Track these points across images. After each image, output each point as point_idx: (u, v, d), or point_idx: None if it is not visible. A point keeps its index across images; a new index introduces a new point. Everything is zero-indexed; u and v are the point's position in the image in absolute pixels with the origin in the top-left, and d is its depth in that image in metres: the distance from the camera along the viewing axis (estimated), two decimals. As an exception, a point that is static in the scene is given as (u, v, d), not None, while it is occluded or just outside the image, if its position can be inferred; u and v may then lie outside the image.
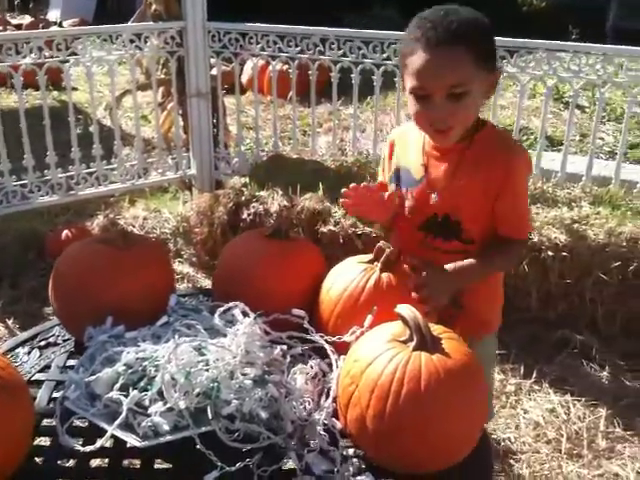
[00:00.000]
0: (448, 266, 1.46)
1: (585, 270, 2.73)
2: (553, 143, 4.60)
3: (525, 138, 4.74)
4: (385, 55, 3.24)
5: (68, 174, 3.49)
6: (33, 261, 3.43)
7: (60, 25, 8.68)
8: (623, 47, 3.06)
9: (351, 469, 1.15)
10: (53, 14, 10.45)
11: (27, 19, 9.24)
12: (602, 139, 4.95)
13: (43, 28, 7.98)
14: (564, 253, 2.72)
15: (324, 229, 2.92)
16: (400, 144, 1.66)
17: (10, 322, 2.95)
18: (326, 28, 3.46)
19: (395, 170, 1.64)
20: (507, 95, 5.45)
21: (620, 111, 5.08)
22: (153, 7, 3.70)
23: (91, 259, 1.44)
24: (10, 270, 3.33)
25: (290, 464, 1.15)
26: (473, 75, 1.41)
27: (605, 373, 2.62)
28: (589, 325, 2.79)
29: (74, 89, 6.10)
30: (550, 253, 2.73)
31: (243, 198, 3.16)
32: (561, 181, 3.12)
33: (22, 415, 1.10)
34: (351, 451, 1.19)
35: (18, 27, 8.51)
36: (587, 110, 5.34)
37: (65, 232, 3.43)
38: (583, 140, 4.73)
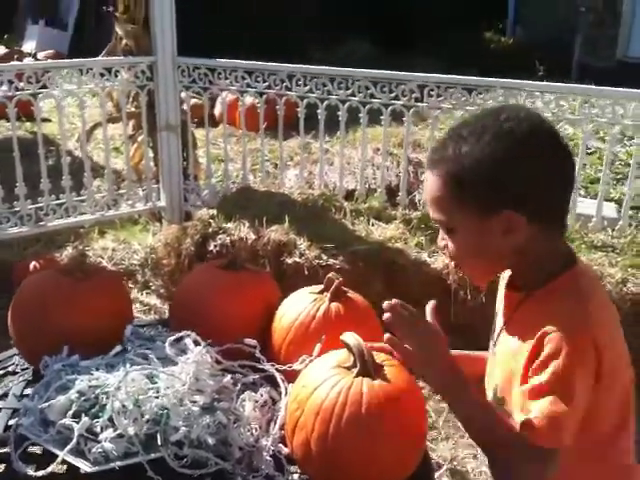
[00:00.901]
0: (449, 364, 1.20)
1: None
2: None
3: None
4: (350, 91, 3.34)
5: (37, 205, 3.52)
6: (1, 291, 3.43)
7: (35, 57, 8.73)
8: (577, 85, 3.20)
9: (296, 493, 1.20)
10: (28, 45, 10.51)
11: (1, 50, 9.28)
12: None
13: (17, 59, 8.02)
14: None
15: (289, 260, 2.97)
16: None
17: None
18: (293, 65, 3.56)
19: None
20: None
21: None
22: (124, 42, 3.78)
23: (48, 290, 1.48)
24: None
25: (238, 489, 1.19)
26: (450, 209, 1.20)
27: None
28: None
29: (47, 120, 6.16)
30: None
31: (210, 230, 3.21)
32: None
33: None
34: (296, 477, 1.23)
35: (-8, 58, 8.55)
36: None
37: (33, 263, 3.44)
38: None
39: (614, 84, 3.07)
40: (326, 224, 3.23)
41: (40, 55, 8.96)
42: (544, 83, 3.18)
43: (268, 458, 1.22)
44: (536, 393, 1.12)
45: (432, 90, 3.14)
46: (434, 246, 2.93)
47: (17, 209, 3.47)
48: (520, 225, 1.16)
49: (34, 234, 3.65)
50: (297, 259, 2.97)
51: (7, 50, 8.87)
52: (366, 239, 3.11)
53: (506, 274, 1.33)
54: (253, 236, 3.07)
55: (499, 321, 1.34)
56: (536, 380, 1.12)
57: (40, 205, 3.54)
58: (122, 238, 3.93)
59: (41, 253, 3.71)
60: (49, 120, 6.15)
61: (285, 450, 1.26)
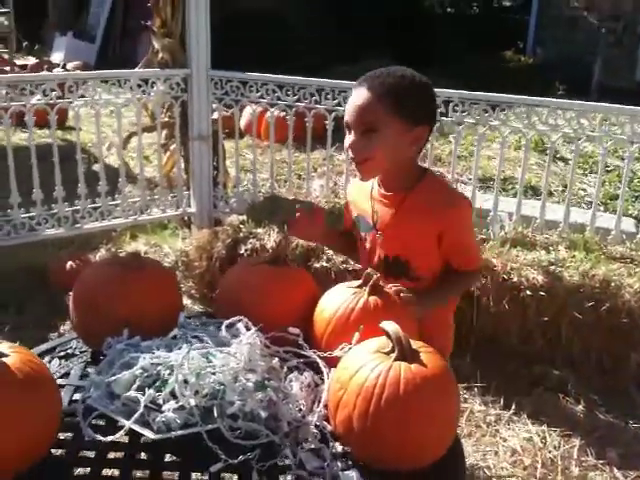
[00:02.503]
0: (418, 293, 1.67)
1: (561, 309, 2.91)
2: (537, 192, 4.82)
3: (510, 187, 4.96)
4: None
5: (74, 208, 3.67)
6: (37, 290, 3.58)
7: (64, 67, 8.97)
8: (599, 104, 3.31)
9: (340, 464, 1.31)
10: (56, 56, 10.79)
11: (31, 60, 9.55)
12: (584, 190, 5.20)
13: (47, 70, 8.26)
14: (541, 293, 2.90)
15: (317, 265, 3.10)
16: (356, 193, 1.90)
17: (16, 347, 3.08)
18: (322, 79, 3.70)
19: (355, 217, 1.88)
20: (494, 146, 5.70)
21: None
22: (160, 55, 3.94)
23: (109, 278, 1.60)
24: (15, 298, 3.48)
25: (285, 460, 1.31)
26: (383, 117, 1.64)
27: (580, 407, 2.78)
28: (565, 361, 2.96)
29: (74, 129, 6.35)
30: (528, 292, 2.91)
31: (241, 234, 3.34)
32: (540, 227, 3.32)
33: (51, 403, 1.25)
34: (339, 449, 1.34)
35: (23, 68, 8.79)
36: (570, 162, 5.59)
37: (69, 263, 3.59)
38: (565, 190, 4.96)
39: (633, 105, 3.17)
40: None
41: (69, 66, 9.21)
42: (566, 101, 3.29)
43: (315, 431, 1.33)
44: (466, 246, 1.79)
45: (457, 105, 3.27)
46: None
47: (55, 211, 3.62)
48: (424, 138, 1.71)
49: (69, 236, 3.81)
50: (324, 263, 3.09)
51: (37, 60, 9.13)
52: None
53: (365, 185, 1.82)
54: (282, 241, 3.19)
55: (373, 215, 1.80)
56: (465, 238, 1.78)
57: (77, 208, 3.69)
58: (153, 242, 4.07)
59: (76, 254, 3.85)
60: (80, 129, 6.34)
61: (329, 427, 1.37)
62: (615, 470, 2.43)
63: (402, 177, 1.75)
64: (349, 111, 1.68)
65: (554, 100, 3.31)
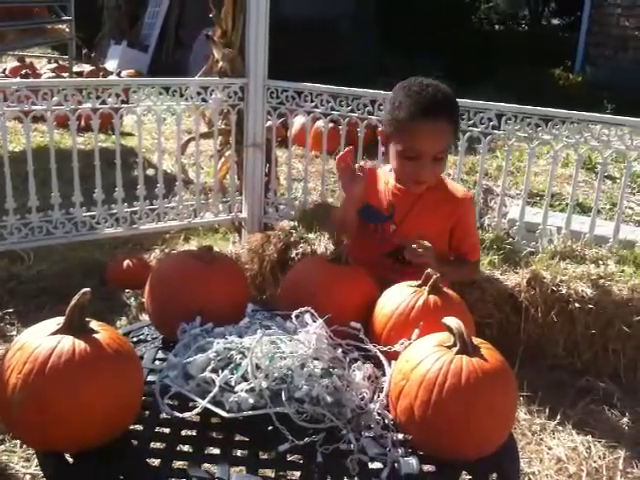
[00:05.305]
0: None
1: (609, 322, 2.93)
2: (584, 209, 4.82)
3: (557, 203, 4.97)
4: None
5: (132, 209, 3.81)
6: (95, 287, 3.70)
7: (119, 75, 9.24)
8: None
9: (400, 451, 1.38)
10: (110, 64, 11.10)
11: (85, 67, 9.83)
12: (632, 209, 5.17)
13: (103, 76, 8.53)
14: (590, 306, 2.92)
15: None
16: (373, 180, 2.06)
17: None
18: (375, 90, 3.78)
19: (363, 207, 2.02)
20: (540, 162, 5.72)
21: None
22: (220, 64, 4.07)
23: (183, 269, 1.71)
24: (73, 294, 3.61)
25: (349, 445, 1.38)
26: (450, 142, 1.91)
27: (625, 419, 2.79)
28: (612, 374, 2.97)
29: (129, 135, 6.57)
30: (577, 305, 2.93)
31: (292, 239, 3.43)
32: (589, 241, 3.34)
33: (137, 379, 1.35)
34: (400, 436, 1.41)
35: (79, 74, 9.07)
36: (618, 181, 5.57)
37: (126, 262, 3.72)
38: (613, 208, 4.95)
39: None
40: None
41: (123, 73, 9.46)
42: (618, 117, 3.31)
43: (377, 418, 1.40)
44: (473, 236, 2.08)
45: (509, 119, 3.32)
46: (506, 264, 3.10)
47: (114, 211, 3.76)
48: None
49: (126, 236, 3.95)
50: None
51: (93, 67, 9.41)
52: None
53: (380, 177, 2.06)
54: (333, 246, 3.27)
55: (389, 207, 2.00)
56: (473, 229, 2.06)
57: (135, 209, 3.83)
58: (204, 244, 4.18)
59: (132, 254, 3.99)
60: (131, 134, 6.56)
61: (389, 415, 1.44)
62: (661, 482, 2.45)
63: None
64: (424, 141, 1.84)
65: (607, 116, 3.34)
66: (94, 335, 1.31)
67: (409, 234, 1.93)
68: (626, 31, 10.62)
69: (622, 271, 3.07)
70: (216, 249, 4.04)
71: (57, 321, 1.36)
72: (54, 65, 9.43)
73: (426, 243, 1.83)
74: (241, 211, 4.22)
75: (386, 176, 2.05)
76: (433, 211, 1.98)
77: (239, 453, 1.43)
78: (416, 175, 1.90)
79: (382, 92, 3.74)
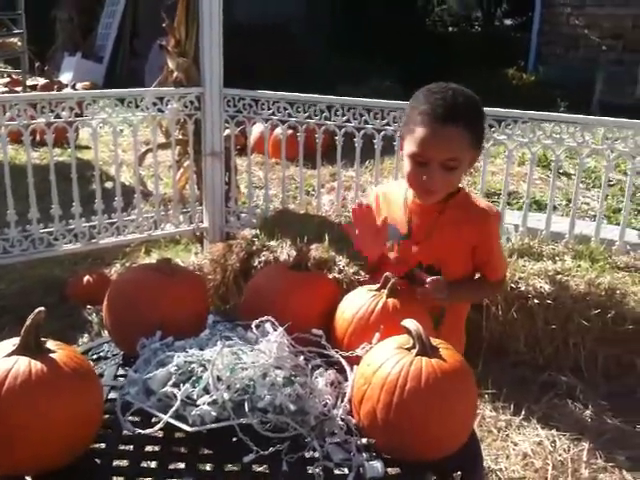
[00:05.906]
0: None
1: (568, 317, 2.99)
2: (541, 206, 4.91)
3: (515, 201, 5.05)
4: (385, 121, 3.57)
5: (91, 224, 3.76)
6: (55, 304, 3.66)
7: (73, 87, 9.12)
8: (602, 118, 3.40)
9: (364, 455, 1.38)
10: (65, 77, 10.96)
11: (39, 81, 9.68)
12: (588, 204, 5.28)
13: (57, 90, 8.41)
14: (548, 301, 2.98)
15: (329, 276, 3.17)
16: (384, 201, 1.92)
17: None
18: (332, 96, 3.81)
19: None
20: (497, 162, 5.81)
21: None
22: (175, 74, 4.05)
23: (142, 283, 1.69)
24: (33, 312, 3.55)
25: (313, 452, 1.38)
26: (465, 152, 1.71)
27: (588, 412, 2.85)
28: (573, 367, 3.03)
29: (86, 148, 6.48)
30: (536, 301, 2.99)
31: (254, 247, 3.43)
32: (546, 238, 3.41)
33: (95, 397, 1.33)
34: (364, 441, 1.41)
35: (33, 88, 8.92)
36: (573, 177, 5.69)
37: (86, 278, 3.68)
38: (569, 204, 5.05)
39: (634, 121, 3.26)
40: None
41: (78, 86, 9.36)
42: (570, 115, 3.39)
43: (341, 423, 1.41)
44: (497, 256, 1.89)
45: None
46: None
47: (72, 227, 3.71)
48: (476, 159, 1.81)
49: (86, 251, 3.89)
50: (337, 275, 3.17)
51: (47, 81, 9.27)
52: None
53: (395, 194, 1.90)
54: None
55: (408, 224, 1.86)
56: (496, 248, 1.87)
57: (93, 224, 3.78)
58: (166, 257, 4.15)
59: (91, 269, 3.94)
60: (88, 147, 6.47)
61: (353, 420, 1.45)
62: (624, 472, 2.50)
63: (451, 190, 1.81)
64: (427, 146, 1.68)
65: (559, 114, 3.41)
66: (51, 355, 1.29)
67: (429, 252, 1.82)
68: (576, 30, 10.87)
69: (579, 266, 3.13)
70: (178, 261, 4.07)
71: (13, 342, 1.33)
72: (7, 79, 9.28)
73: (437, 280, 1.69)
74: (202, 221, 4.20)
75: (402, 191, 1.88)
76: (457, 230, 1.81)
77: (207, 467, 1.42)
78: (424, 182, 1.73)
79: (338, 97, 3.77)
